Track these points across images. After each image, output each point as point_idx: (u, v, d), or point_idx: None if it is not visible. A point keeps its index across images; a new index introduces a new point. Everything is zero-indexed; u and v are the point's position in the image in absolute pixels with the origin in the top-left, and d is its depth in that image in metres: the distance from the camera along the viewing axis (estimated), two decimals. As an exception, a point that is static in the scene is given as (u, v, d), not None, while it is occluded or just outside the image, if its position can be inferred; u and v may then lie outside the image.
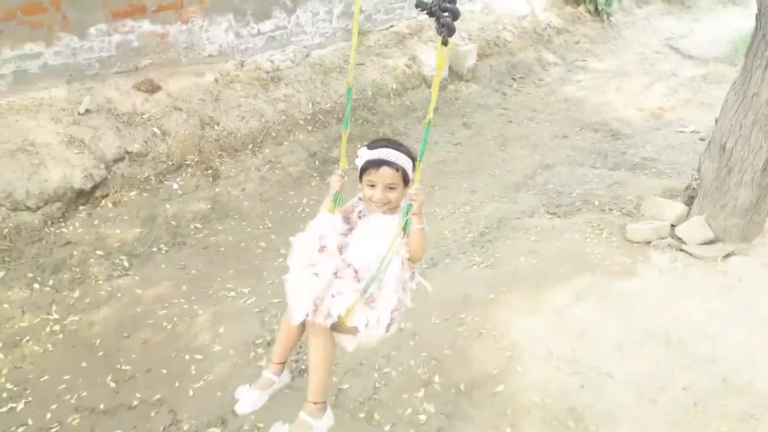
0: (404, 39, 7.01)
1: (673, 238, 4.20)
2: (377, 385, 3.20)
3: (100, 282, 4.14)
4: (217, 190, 5.05)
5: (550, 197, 5.05)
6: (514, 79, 7.75)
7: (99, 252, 4.32)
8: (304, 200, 5.19)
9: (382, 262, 1.94)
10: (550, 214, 4.69)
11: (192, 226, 4.73)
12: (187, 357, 3.60)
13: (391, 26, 7.09)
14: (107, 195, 4.65)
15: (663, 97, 7.45)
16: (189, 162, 5.11)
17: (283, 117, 5.74)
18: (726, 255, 3.98)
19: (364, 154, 2.08)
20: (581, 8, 9.51)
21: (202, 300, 4.06)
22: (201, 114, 5.33)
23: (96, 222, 4.51)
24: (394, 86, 6.52)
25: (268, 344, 3.68)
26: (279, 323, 3.81)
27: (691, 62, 8.79)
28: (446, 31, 1.88)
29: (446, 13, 1.89)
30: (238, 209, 4.98)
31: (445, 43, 1.89)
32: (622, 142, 6.28)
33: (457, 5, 1.89)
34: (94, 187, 4.59)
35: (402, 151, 2.08)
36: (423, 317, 3.55)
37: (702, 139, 6.01)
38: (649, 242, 4.16)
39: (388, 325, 2.00)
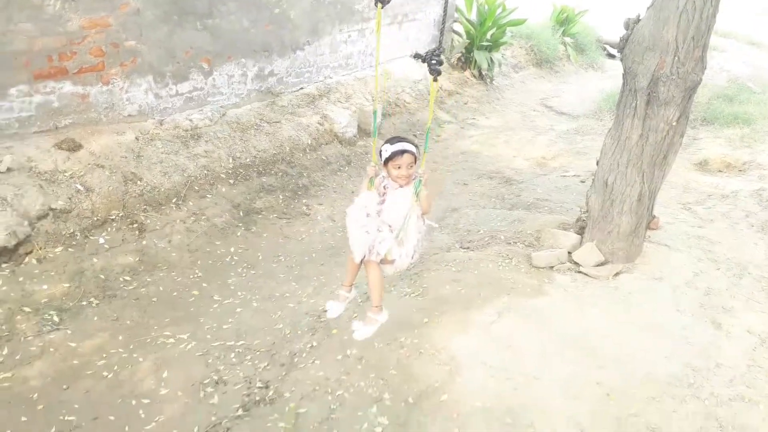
0: (315, 100, 7.47)
1: (571, 262, 4.83)
2: (332, 406, 3.43)
3: (30, 338, 4.04)
4: (143, 243, 5.10)
5: (462, 235, 5.58)
6: (414, 136, 8.41)
7: (26, 308, 4.22)
8: (232, 249, 5.34)
9: (406, 218, 3.11)
10: (464, 248, 5.20)
11: (121, 279, 4.73)
12: (133, 402, 3.62)
13: (302, 88, 7.54)
14: (31, 251, 4.57)
15: (545, 148, 8.40)
16: (114, 217, 5.13)
17: (205, 171, 5.92)
18: (616, 273, 4.65)
19: (389, 148, 3.15)
20: (467, 73, 10.53)
21: (141, 348, 4.08)
22: (124, 170, 5.39)
23: (21, 279, 4.41)
24: (309, 142, 6.92)
25: (216, 383, 3.78)
26: (223, 364, 3.98)
27: (564, 118, 9.97)
28: (435, 73, 3.00)
29: (434, 62, 2.96)
30: (167, 260, 5.04)
31: (435, 80, 3.02)
32: (515, 186, 7.02)
33: (441, 57, 2.99)
34: (18, 245, 4.50)
35: (412, 143, 3.19)
36: (367, 343, 3.82)
37: (582, 181, 6.88)
38: (552, 267, 4.76)
39: (412, 255, 3.20)
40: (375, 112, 3.40)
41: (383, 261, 3.17)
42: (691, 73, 4.21)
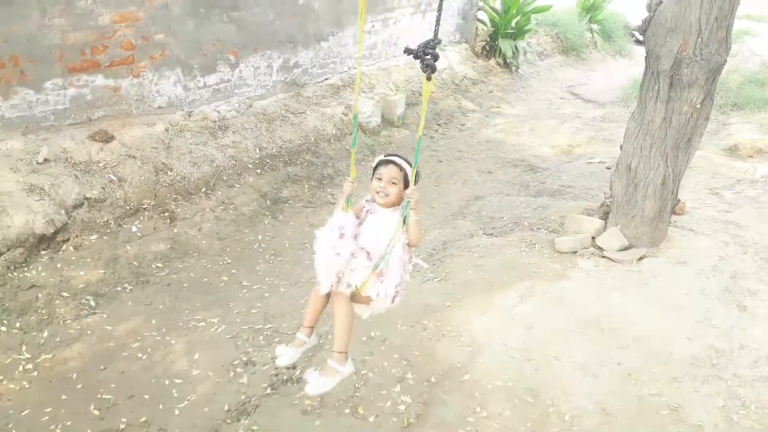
0: (339, 90, 7.56)
1: (594, 247, 4.84)
2: (357, 385, 3.52)
3: (68, 321, 4.22)
4: (174, 231, 5.25)
5: (485, 222, 5.62)
6: (439, 125, 8.45)
7: (64, 293, 4.41)
8: (260, 237, 5.47)
9: (389, 246, 2.53)
10: (488, 234, 5.24)
11: (153, 266, 4.89)
12: (167, 382, 3.76)
13: (326, 79, 7.64)
14: (68, 239, 4.76)
15: (571, 136, 8.35)
16: (146, 206, 5.30)
17: (233, 162, 6.06)
18: (639, 258, 4.64)
19: (379, 158, 2.72)
20: (492, 61, 10.51)
21: (173, 331, 4.23)
22: (154, 161, 5.56)
23: (59, 265, 4.60)
24: (334, 132, 7.02)
25: (245, 364, 3.91)
26: (252, 346, 4.10)
27: (591, 105, 9.89)
28: (429, 70, 2.41)
29: (428, 57, 2.41)
30: (197, 248, 5.19)
31: (429, 78, 2.43)
32: (540, 174, 7.01)
33: (437, 51, 2.44)
34: (56, 232, 4.69)
35: (405, 160, 2.69)
36: (390, 325, 3.92)
37: (608, 168, 6.84)
38: (575, 252, 4.77)
39: (394, 297, 2.61)
40: (355, 117, 2.84)
41: (356, 297, 2.62)
42: (715, 55, 4.18)
